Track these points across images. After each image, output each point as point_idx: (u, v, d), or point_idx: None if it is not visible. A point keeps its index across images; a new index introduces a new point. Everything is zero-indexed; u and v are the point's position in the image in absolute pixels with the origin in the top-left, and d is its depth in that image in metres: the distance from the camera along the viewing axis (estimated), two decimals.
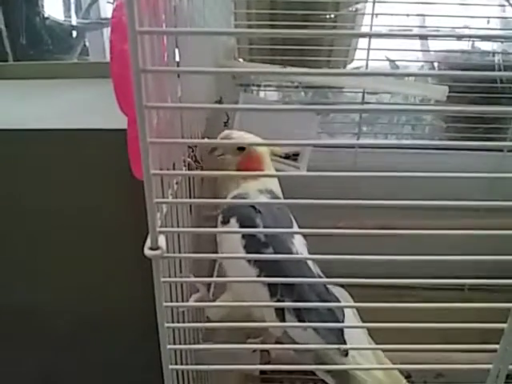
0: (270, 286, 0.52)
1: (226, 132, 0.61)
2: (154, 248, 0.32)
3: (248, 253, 0.54)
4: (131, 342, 0.63)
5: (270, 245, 0.54)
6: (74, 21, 1.30)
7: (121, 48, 0.27)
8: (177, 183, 0.45)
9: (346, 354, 0.52)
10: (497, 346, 0.39)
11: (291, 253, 0.55)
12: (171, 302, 0.45)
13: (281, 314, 0.53)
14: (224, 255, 0.57)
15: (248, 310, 0.55)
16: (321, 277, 0.57)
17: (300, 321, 0.52)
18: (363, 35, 1.01)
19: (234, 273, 0.56)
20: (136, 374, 0.65)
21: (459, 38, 1.03)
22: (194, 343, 0.58)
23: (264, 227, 0.55)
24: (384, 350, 0.53)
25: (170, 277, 0.45)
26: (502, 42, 1.04)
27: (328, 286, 0.56)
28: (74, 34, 1.28)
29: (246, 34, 0.80)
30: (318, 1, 0.92)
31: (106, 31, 1.33)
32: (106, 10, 1.37)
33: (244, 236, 0.54)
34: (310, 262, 0.57)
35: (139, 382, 0.66)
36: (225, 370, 0.41)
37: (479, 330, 0.39)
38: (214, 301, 0.59)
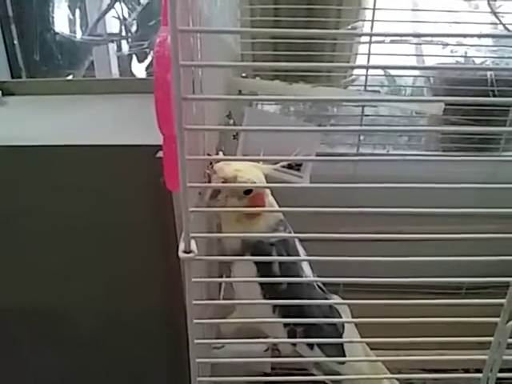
0: (284, 317, 0.56)
1: (227, 171, 0.55)
2: (188, 251, 0.36)
3: (263, 288, 0.57)
4: (155, 339, 0.68)
5: (284, 277, 0.56)
6: (82, 36, 1.35)
7: (164, 78, 0.31)
8: (199, 193, 0.50)
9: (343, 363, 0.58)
10: (491, 339, 0.43)
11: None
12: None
13: (292, 337, 0.58)
14: (238, 279, 0.60)
15: (258, 326, 0.60)
16: (320, 287, 0.62)
17: (309, 343, 0.58)
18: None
19: (249, 306, 0.59)
20: (159, 368, 0.69)
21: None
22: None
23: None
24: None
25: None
26: (494, 57, 1.10)
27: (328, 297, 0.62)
28: (83, 49, 1.32)
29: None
30: (318, 20, 0.97)
31: (112, 47, 1.38)
32: (112, 26, 1.41)
33: (259, 270, 0.56)
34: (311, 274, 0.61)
35: (163, 376, 0.70)
36: (244, 362, 0.45)
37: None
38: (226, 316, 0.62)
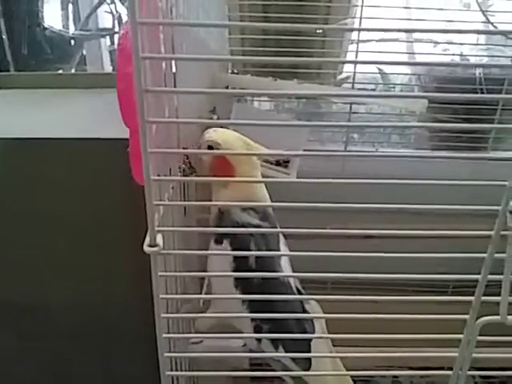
0: (251, 311, 0.54)
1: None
2: (153, 245, 0.36)
3: (236, 280, 0.54)
4: (131, 333, 0.68)
5: (259, 271, 0.54)
6: (73, 31, 1.34)
7: (125, 70, 0.31)
8: (172, 188, 0.50)
9: (309, 368, 0.55)
10: (461, 336, 0.43)
11: (279, 277, 0.57)
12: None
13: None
14: (213, 274, 0.57)
15: (231, 324, 0.58)
16: (299, 291, 0.60)
17: (274, 343, 0.55)
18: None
19: (220, 293, 0.57)
20: (135, 362, 0.69)
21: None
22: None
23: (257, 251, 0.55)
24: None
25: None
26: (484, 56, 1.10)
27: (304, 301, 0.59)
28: (73, 44, 1.32)
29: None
30: (308, 16, 0.97)
31: (104, 41, 1.37)
32: (104, 21, 1.41)
33: (235, 260, 0.54)
34: (290, 278, 0.59)
35: (139, 370, 0.70)
36: (218, 357, 0.45)
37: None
38: (203, 312, 0.60)
